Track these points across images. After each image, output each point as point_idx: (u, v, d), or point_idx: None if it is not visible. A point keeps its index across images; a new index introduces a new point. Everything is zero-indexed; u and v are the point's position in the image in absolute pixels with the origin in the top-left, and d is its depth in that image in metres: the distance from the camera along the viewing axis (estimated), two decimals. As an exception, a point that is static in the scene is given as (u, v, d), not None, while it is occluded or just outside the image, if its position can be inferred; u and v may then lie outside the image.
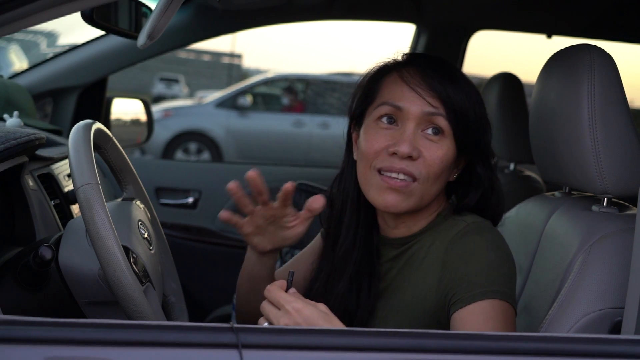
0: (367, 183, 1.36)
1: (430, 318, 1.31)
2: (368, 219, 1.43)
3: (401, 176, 1.31)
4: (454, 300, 1.26)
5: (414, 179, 1.31)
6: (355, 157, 1.42)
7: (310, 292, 1.45)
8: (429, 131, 1.32)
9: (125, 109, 2.93)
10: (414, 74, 1.34)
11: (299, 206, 2.62)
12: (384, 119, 1.34)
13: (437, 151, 1.32)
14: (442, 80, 1.33)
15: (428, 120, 1.32)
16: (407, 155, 1.30)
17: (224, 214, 1.36)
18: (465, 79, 1.36)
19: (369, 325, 1.38)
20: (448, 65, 1.38)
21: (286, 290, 1.16)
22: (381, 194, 1.33)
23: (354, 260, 1.41)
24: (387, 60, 1.41)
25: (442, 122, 1.32)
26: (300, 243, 2.52)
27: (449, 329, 1.27)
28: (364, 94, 1.41)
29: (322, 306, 1.14)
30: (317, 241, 1.56)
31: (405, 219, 1.38)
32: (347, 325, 1.37)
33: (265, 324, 1.15)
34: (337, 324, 1.13)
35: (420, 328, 1.28)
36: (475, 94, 1.36)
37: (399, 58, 1.40)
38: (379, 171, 1.33)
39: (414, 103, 1.32)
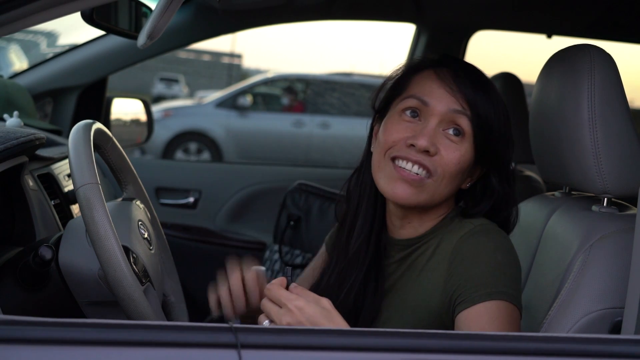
0: (379, 170, 1.36)
1: (434, 319, 1.31)
2: (383, 216, 1.43)
3: (415, 168, 1.31)
4: (459, 301, 1.26)
5: (430, 175, 1.31)
6: (372, 149, 1.42)
7: (320, 285, 1.45)
8: (450, 131, 1.32)
9: (125, 109, 2.93)
10: (447, 73, 1.34)
11: (298, 206, 2.63)
12: (408, 112, 1.34)
13: (455, 152, 1.31)
14: (472, 85, 1.33)
15: (451, 119, 1.32)
16: (424, 149, 1.30)
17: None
18: (495, 91, 1.37)
19: (372, 325, 1.38)
20: (481, 73, 1.39)
21: (287, 287, 1.15)
22: (391, 183, 1.33)
23: (369, 255, 1.41)
24: (422, 59, 1.42)
25: (465, 124, 1.32)
26: (300, 243, 2.52)
27: (452, 330, 1.27)
28: (392, 88, 1.41)
29: (325, 302, 1.13)
30: (321, 255, 1.56)
31: (411, 219, 1.38)
32: (353, 323, 1.38)
33: (266, 322, 1.15)
34: (339, 322, 1.12)
35: (424, 329, 1.28)
36: (502, 107, 1.36)
37: (433, 58, 1.40)
38: (393, 159, 1.33)
39: (442, 100, 1.32)
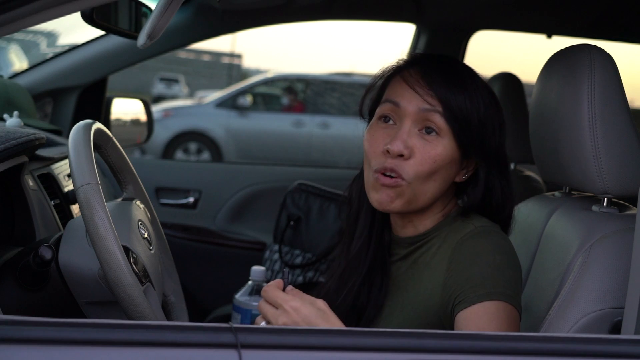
0: (367, 182, 1.39)
1: (434, 317, 1.31)
2: (383, 218, 1.45)
3: (389, 176, 1.32)
4: (458, 301, 1.26)
5: (402, 178, 1.32)
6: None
7: (324, 289, 1.46)
8: (425, 130, 1.33)
9: (125, 109, 2.93)
10: (415, 74, 1.35)
11: (298, 206, 2.63)
12: (383, 119, 1.36)
13: (430, 151, 1.32)
14: (442, 79, 1.33)
15: (425, 117, 1.32)
16: (397, 153, 1.31)
17: None
18: (472, 80, 1.35)
19: (374, 322, 1.39)
20: (453, 64, 1.38)
21: (283, 289, 1.16)
22: (376, 193, 1.35)
23: (369, 257, 1.43)
24: (395, 62, 1.43)
25: (439, 121, 1.32)
26: (300, 243, 2.52)
27: (450, 330, 1.27)
28: (373, 96, 1.44)
29: (320, 303, 1.14)
30: None
31: (411, 218, 1.39)
32: (355, 321, 1.39)
33: (263, 324, 1.15)
34: (335, 322, 1.13)
35: (424, 327, 1.29)
36: (483, 95, 1.35)
37: (405, 59, 1.41)
38: (375, 172, 1.35)
39: (411, 101, 1.33)
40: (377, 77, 1.44)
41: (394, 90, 1.37)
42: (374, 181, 1.34)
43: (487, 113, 1.35)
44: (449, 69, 1.36)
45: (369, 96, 1.45)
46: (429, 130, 1.33)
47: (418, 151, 1.32)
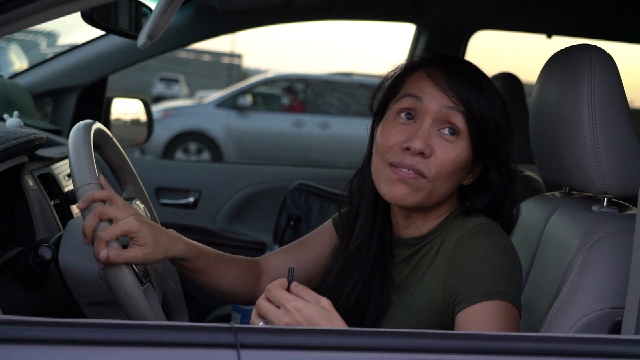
0: (378, 175, 1.36)
1: (437, 318, 1.31)
2: (384, 216, 1.44)
3: (411, 172, 1.31)
4: (458, 301, 1.26)
5: (423, 176, 1.32)
6: (373, 151, 1.42)
7: (322, 285, 1.46)
8: (445, 131, 1.32)
9: (125, 109, 2.93)
10: (438, 73, 1.35)
11: (298, 206, 2.62)
12: (403, 114, 1.35)
13: (450, 152, 1.32)
14: (465, 83, 1.33)
15: (445, 117, 1.32)
16: (419, 151, 1.30)
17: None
18: (489, 85, 1.37)
19: (378, 324, 1.39)
20: (474, 69, 1.39)
21: (288, 286, 1.15)
22: (390, 186, 1.33)
23: (371, 254, 1.42)
24: (414, 59, 1.43)
25: (460, 121, 1.32)
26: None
27: (452, 329, 1.27)
28: (387, 89, 1.42)
29: (324, 302, 1.13)
30: (327, 225, 1.56)
31: (415, 219, 1.39)
32: (358, 322, 1.38)
33: (261, 324, 1.14)
34: (338, 322, 1.12)
35: (428, 328, 1.28)
36: (499, 100, 1.36)
37: (425, 58, 1.41)
38: (390, 165, 1.33)
39: (435, 97, 1.33)
40: (395, 70, 1.43)
41: (415, 85, 1.36)
42: (390, 174, 1.33)
43: (502, 119, 1.36)
44: (469, 72, 1.37)
45: (382, 90, 1.43)
46: (450, 130, 1.32)
47: (438, 150, 1.31)
